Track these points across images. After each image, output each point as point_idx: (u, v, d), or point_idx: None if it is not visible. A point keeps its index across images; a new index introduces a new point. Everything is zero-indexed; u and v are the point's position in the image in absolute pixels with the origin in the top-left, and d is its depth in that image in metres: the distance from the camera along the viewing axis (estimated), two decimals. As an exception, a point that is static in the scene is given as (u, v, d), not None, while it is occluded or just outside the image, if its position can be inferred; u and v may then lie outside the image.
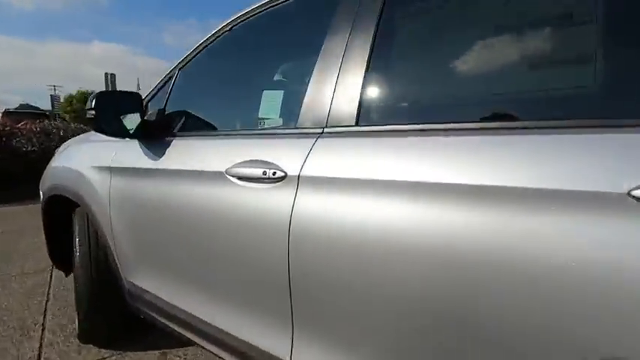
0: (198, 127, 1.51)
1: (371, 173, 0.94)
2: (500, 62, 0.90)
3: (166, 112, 1.56)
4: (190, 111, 1.54)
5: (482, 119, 0.85)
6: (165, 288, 1.51)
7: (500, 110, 0.88)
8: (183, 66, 1.54)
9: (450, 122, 0.87)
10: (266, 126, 1.24)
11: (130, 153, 1.61)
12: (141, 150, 1.56)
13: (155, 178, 1.48)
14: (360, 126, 1.03)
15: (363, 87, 1.03)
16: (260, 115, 1.25)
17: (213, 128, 1.45)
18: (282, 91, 1.22)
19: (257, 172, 1.13)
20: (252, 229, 1.14)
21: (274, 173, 1.10)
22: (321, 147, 1.06)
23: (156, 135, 1.54)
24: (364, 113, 1.04)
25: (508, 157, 0.77)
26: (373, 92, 1.05)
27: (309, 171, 1.05)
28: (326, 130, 1.07)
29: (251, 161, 1.17)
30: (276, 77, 1.32)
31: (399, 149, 0.93)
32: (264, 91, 1.25)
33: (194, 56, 1.50)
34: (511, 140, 0.79)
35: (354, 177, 0.97)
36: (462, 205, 0.79)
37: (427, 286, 0.83)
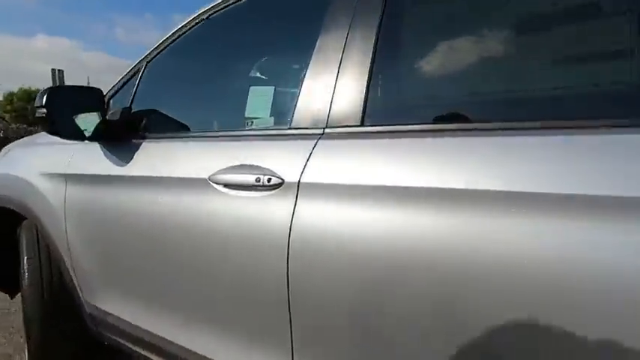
0: (172, 127, 1.34)
1: (383, 179, 0.84)
2: (519, 56, 0.83)
3: (133, 111, 1.38)
4: (162, 109, 1.37)
5: (513, 118, 0.77)
6: (135, 310, 1.32)
7: (528, 108, 0.80)
8: (153, 58, 1.37)
9: (476, 121, 0.79)
10: (255, 126, 1.10)
11: (90, 158, 1.41)
12: (103, 154, 1.36)
13: (121, 187, 1.29)
14: (367, 126, 0.92)
15: (369, 82, 0.92)
16: (247, 114, 1.11)
17: (191, 129, 1.28)
18: (273, 87, 1.09)
19: (248, 178, 1.00)
20: (243, 243, 1.00)
21: (269, 180, 0.96)
22: (323, 150, 0.94)
23: (121, 137, 1.35)
24: (371, 112, 0.93)
25: (540, 160, 0.69)
26: (381, 88, 0.94)
27: (310, 177, 0.92)
28: (327, 130, 0.96)
29: (240, 167, 1.03)
30: (265, 72, 1.18)
31: (415, 152, 0.83)
32: (252, 87, 1.11)
33: (165, 47, 1.33)
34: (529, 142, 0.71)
35: (364, 183, 0.86)
36: (494, 215, 0.71)
37: (448, 308, 0.73)
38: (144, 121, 1.38)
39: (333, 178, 0.90)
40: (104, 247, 1.37)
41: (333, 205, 0.89)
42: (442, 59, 0.89)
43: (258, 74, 1.18)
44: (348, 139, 0.93)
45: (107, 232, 1.34)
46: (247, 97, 1.11)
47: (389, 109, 0.94)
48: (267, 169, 0.98)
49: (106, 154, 1.36)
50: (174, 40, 1.30)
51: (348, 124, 0.94)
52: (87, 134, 1.35)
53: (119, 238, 1.31)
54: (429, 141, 0.83)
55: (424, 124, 0.86)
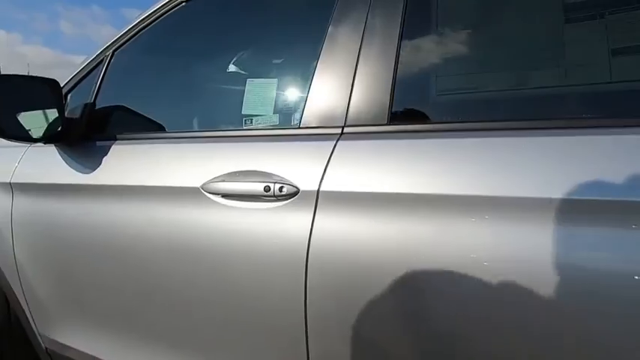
0: (149, 127, 1.14)
1: (420, 186, 0.72)
2: (570, 48, 0.74)
3: (97, 107, 1.16)
4: (136, 106, 1.16)
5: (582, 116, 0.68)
6: (102, 344, 1.11)
7: (581, 105, 0.72)
8: (121, 46, 1.16)
9: (536, 119, 0.69)
10: (255, 125, 0.95)
11: (44, 163, 1.17)
12: (61, 159, 1.14)
13: (85, 198, 1.08)
14: (394, 124, 0.80)
15: (396, 74, 0.80)
16: (245, 112, 0.95)
17: (174, 128, 1.09)
18: (276, 80, 0.93)
19: (254, 187, 0.84)
20: (247, 266, 0.84)
21: (281, 189, 0.81)
22: (344, 152, 0.80)
23: (83, 138, 1.13)
24: (399, 108, 0.81)
25: (596, 160, 0.61)
26: (410, 81, 0.82)
27: (331, 184, 0.79)
28: (347, 130, 0.82)
29: (242, 173, 0.87)
30: (265, 61, 1.02)
31: (454, 154, 0.72)
32: (249, 80, 0.95)
33: (138, 33, 1.13)
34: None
35: (396, 191, 0.74)
36: (546, 225, 0.61)
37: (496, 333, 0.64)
38: (112, 120, 1.17)
39: (358, 185, 0.77)
40: (63, 271, 1.14)
41: (360, 216, 0.76)
42: (486, 45, 0.78)
43: (256, 64, 1.02)
44: (372, 140, 0.80)
45: (67, 253, 1.12)
46: (244, 92, 0.95)
47: (421, 105, 0.82)
48: (277, 176, 0.83)
49: (64, 159, 1.13)
50: (148, 25, 1.10)
51: (372, 122, 0.81)
52: (33, 135, 1.13)
53: (82, 261, 1.09)
54: (469, 142, 0.72)
55: (465, 122, 0.75)
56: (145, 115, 1.15)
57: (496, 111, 0.75)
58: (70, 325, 1.17)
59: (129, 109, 1.18)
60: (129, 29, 1.14)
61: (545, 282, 0.61)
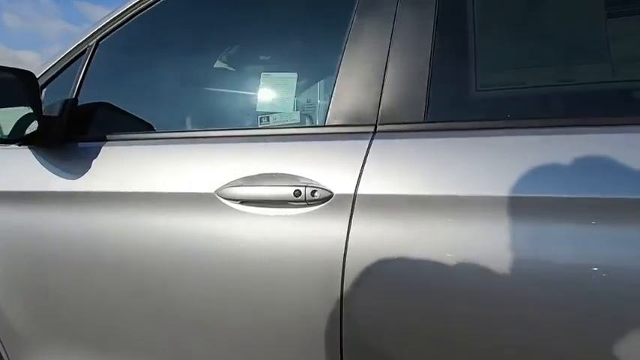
0: (144, 126, 1.02)
1: (466, 187, 0.68)
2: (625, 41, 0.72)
3: (79, 104, 1.03)
4: (126, 103, 1.04)
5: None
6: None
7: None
8: (107, 36, 1.03)
9: (575, 116, 0.66)
10: (273, 124, 0.86)
11: (19, 168, 1.02)
12: (40, 163, 0.99)
13: (71, 208, 0.95)
14: (432, 122, 0.75)
15: (431, 67, 0.75)
16: (260, 109, 0.86)
17: (174, 128, 0.98)
18: (295, 74, 0.85)
19: (281, 192, 0.76)
20: (277, 276, 0.76)
21: (313, 193, 0.74)
22: (381, 152, 0.74)
23: (64, 139, 1.00)
24: (437, 104, 0.76)
25: None
26: (450, 75, 0.77)
27: (369, 186, 0.72)
28: (380, 128, 0.76)
29: (264, 176, 0.78)
30: (281, 52, 0.93)
31: (502, 153, 0.68)
32: (264, 75, 0.86)
33: (128, 21, 1.00)
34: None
35: (442, 193, 0.69)
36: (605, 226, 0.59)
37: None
38: (97, 118, 1.04)
39: (398, 187, 0.72)
40: (44, 292, 1.00)
41: (401, 221, 0.70)
42: (531, 37, 0.75)
43: (271, 56, 0.93)
44: (410, 139, 0.75)
45: (48, 272, 0.98)
46: (258, 87, 0.86)
47: (459, 101, 0.78)
48: (306, 179, 0.76)
49: (45, 164, 0.99)
50: (140, 11, 0.98)
51: (408, 120, 0.76)
52: (1, 136, 0.98)
53: (67, 280, 0.95)
54: (512, 140, 0.69)
55: (508, 119, 0.72)
56: (139, 113, 1.03)
57: (543, 107, 0.72)
58: (51, 356, 1.02)
59: (118, 106, 1.05)
60: (116, 16, 1.02)
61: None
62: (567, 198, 0.62)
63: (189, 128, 0.97)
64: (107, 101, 1.07)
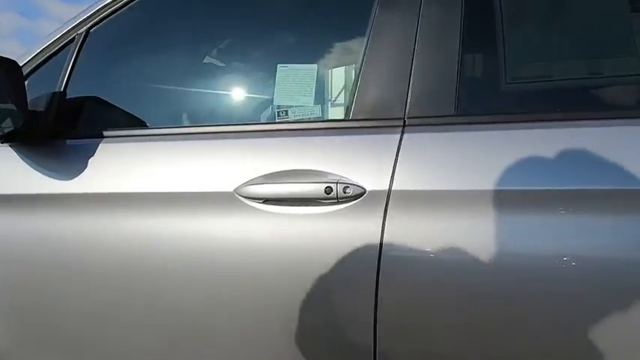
0: (145, 122, 0.94)
1: (506, 181, 0.67)
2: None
3: (68, 98, 0.93)
4: (123, 96, 0.96)
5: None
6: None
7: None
8: (99, 22, 0.94)
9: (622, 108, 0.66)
10: (292, 118, 0.81)
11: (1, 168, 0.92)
12: (24, 163, 0.89)
13: (68, 213, 0.86)
14: (463, 115, 0.73)
15: (461, 58, 0.73)
16: (278, 102, 0.81)
17: (180, 123, 0.91)
18: (315, 65, 0.81)
19: (309, 189, 0.71)
20: (306, 278, 0.71)
21: (345, 190, 0.70)
22: (413, 145, 0.72)
23: (52, 136, 0.90)
24: (467, 97, 0.74)
25: None
26: (480, 67, 0.76)
27: (403, 182, 0.70)
28: (409, 121, 0.74)
29: (289, 173, 0.74)
30: (298, 42, 0.87)
31: (544, 144, 0.67)
32: (281, 67, 0.81)
33: (122, 7, 0.92)
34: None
35: (480, 188, 0.67)
36: None
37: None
38: (89, 113, 0.95)
39: (435, 182, 0.69)
40: (38, 307, 0.89)
41: (437, 218, 0.68)
42: (564, 28, 0.74)
43: (287, 46, 0.87)
44: (441, 132, 0.73)
45: (39, 285, 0.88)
46: (275, 79, 0.81)
47: (490, 94, 0.76)
48: (337, 175, 0.72)
49: (28, 163, 0.89)
50: (137, -3, 0.91)
51: (438, 113, 0.74)
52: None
53: (63, 291, 0.86)
54: (548, 133, 0.68)
55: (540, 112, 0.71)
56: (137, 107, 0.95)
57: (577, 100, 0.72)
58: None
59: (112, 100, 0.97)
60: (110, 2, 0.93)
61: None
62: (610, 190, 0.62)
63: (198, 123, 0.90)
64: (99, 95, 0.98)
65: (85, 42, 0.94)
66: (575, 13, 0.76)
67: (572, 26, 0.75)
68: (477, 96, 0.75)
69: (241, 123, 0.81)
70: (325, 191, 0.70)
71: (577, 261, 0.61)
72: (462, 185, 0.68)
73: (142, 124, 0.96)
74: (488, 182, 0.67)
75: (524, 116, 0.71)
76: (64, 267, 0.86)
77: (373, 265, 0.69)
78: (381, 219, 0.69)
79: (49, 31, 0.96)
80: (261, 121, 0.87)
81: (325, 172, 0.72)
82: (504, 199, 0.66)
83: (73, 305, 0.86)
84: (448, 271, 0.67)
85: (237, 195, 0.74)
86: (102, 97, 0.98)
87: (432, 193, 0.69)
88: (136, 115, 0.97)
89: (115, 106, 0.97)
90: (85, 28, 0.95)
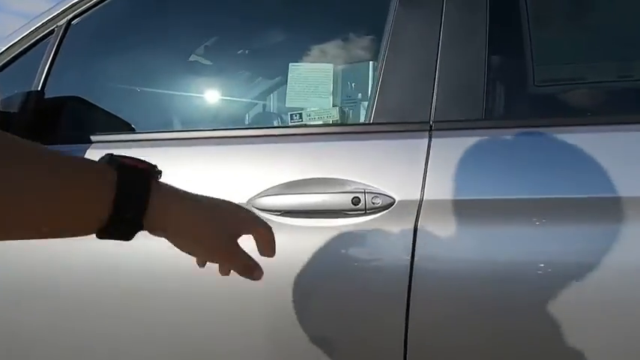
0: (138, 125, 0.84)
1: (539, 189, 0.63)
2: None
3: (47, 97, 0.83)
4: (112, 96, 0.86)
5: None
6: None
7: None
8: (82, 14, 0.84)
9: None
10: (307, 121, 0.75)
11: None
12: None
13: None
14: (492, 119, 0.70)
15: (489, 59, 0.70)
16: (290, 104, 0.75)
17: (179, 127, 0.82)
18: (331, 65, 0.75)
19: (335, 200, 0.65)
20: (334, 295, 0.65)
21: (374, 200, 0.64)
22: (442, 151, 0.67)
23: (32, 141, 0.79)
24: (495, 100, 0.71)
25: None
26: (508, 68, 0.72)
27: (435, 191, 0.65)
28: (436, 125, 0.69)
29: (309, 182, 0.67)
30: (313, 39, 0.80)
31: (579, 149, 0.65)
32: (293, 66, 0.75)
33: (110, -3, 0.82)
34: None
35: (519, 196, 0.64)
36: None
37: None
38: (72, 115, 0.85)
39: (470, 190, 0.65)
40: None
41: (473, 229, 0.64)
42: (594, 28, 0.72)
43: (300, 43, 0.80)
44: (472, 137, 0.68)
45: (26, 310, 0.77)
46: (286, 79, 0.74)
47: (518, 97, 0.73)
48: (364, 184, 0.66)
49: None
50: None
51: (465, 116, 0.70)
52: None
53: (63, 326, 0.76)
54: (583, 138, 0.66)
55: (574, 116, 0.68)
56: (127, 108, 0.85)
57: (610, 103, 0.70)
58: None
59: (98, 100, 0.86)
60: (95, -8, 0.84)
61: None
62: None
63: (198, 127, 0.82)
64: (82, 95, 0.88)
65: (66, 35, 0.84)
66: (603, 14, 0.74)
67: (603, 26, 0.73)
68: (505, 99, 0.72)
69: (251, 127, 0.74)
70: (353, 202, 0.64)
71: (633, 273, 0.59)
72: (501, 194, 0.64)
73: (131, 128, 0.87)
74: (526, 190, 0.63)
75: (555, 120, 0.69)
76: (42, 290, 0.75)
77: (405, 278, 0.63)
78: (412, 230, 0.64)
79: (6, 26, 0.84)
80: (270, 125, 0.80)
81: (350, 181, 0.66)
82: (545, 208, 0.62)
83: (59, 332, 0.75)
84: (487, 287, 0.62)
85: (252, 207, 0.67)
86: (85, 98, 0.88)
87: (466, 203, 0.65)
88: (124, 117, 0.87)
89: (100, 108, 0.87)
90: (66, 19, 0.84)
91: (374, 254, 0.65)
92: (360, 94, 0.77)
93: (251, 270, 0.39)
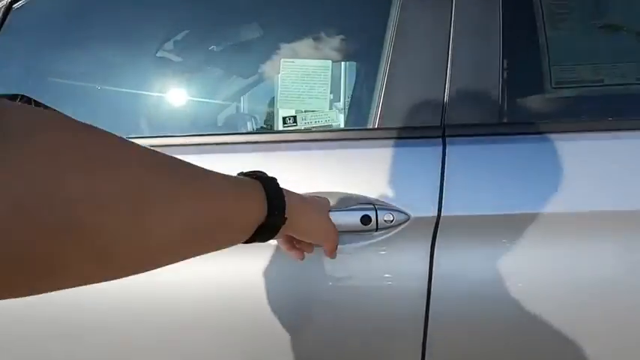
0: (99, 126, 0.70)
1: (573, 201, 0.57)
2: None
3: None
4: (63, 93, 0.72)
5: None
6: None
7: None
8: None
9: None
10: (302, 125, 0.65)
11: None
12: None
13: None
14: (512, 124, 0.63)
15: (503, 57, 0.63)
16: (281, 105, 0.64)
17: (142, 130, 0.69)
18: (330, 62, 0.65)
19: (342, 218, 0.55)
20: (338, 331, 0.55)
21: (387, 217, 0.55)
22: (460, 161, 0.59)
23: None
24: (513, 102, 0.64)
25: None
26: (525, 69, 0.66)
27: (455, 205, 0.57)
28: (449, 131, 0.61)
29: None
30: (309, 31, 0.69)
31: (606, 156, 0.59)
32: (285, 62, 0.64)
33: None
34: None
35: (535, 211, 0.57)
36: None
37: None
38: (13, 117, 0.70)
39: (492, 205, 0.57)
40: None
41: (499, 248, 0.56)
42: (614, 25, 0.67)
43: (292, 35, 0.69)
44: (489, 144, 0.61)
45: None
46: (278, 78, 0.64)
47: (536, 100, 0.67)
48: (372, 199, 0.57)
49: None
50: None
51: (481, 121, 0.62)
52: None
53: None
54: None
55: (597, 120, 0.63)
56: (80, 109, 0.72)
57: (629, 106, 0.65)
58: None
59: (46, 98, 0.72)
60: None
61: None
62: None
63: (171, 132, 0.69)
64: (26, 92, 0.73)
65: (5, 21, 0.70)
66: (622, 14, 0.70)
67: (622, 25, 0.69)
68: (523, 102, 0.65)
69: (234, 133, 0.62)
70: (362, 221, 0.54)
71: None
72: (524, 208, 0.57)
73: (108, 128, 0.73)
74: (550, 204, 0.57)
75: (574, 125, 0.62)
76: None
77: (422, 303, 0.55)
78: (429, 250, 0.56)
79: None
80: (260, 131, 0.69)
81: (356, 196, 0.57)
82: (571, 223, 0.56)
83: None
84: (511, 310, 0.55)
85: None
86: (30, 96, 0.73)
87: (487, 219, 0.57)
88: (79, 119, 0.73)
89: (49, 107, 0.73)
90: (6, 1, 0.70)
91: (386, 280, 0.55)
92: (363, 95, 0.68)
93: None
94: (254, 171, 0.39)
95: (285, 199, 0.38)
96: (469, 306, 0.56)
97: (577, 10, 0.68)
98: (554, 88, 0.65)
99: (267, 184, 0.37)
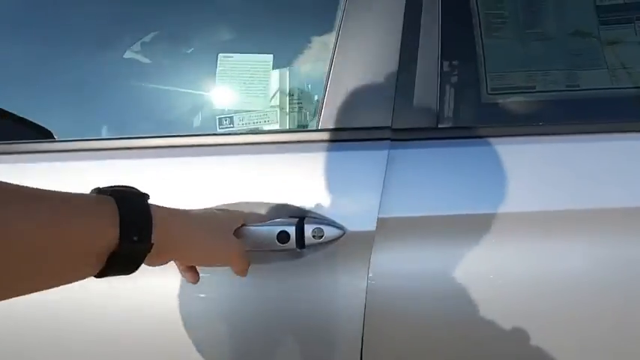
0: (55, 129, 0.66)
1: (519, 202, 0.48)
2: None
3: None
4: (27, 95, 0.68)
5: None
6: None
7: None
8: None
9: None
10: (239, 127, 0.58)
11: None
12: None
13: None
14: (449, 127, 0.55)
15: (442, 64, 0.55)
16: (218, 106, 0.58)
17: (83, 134, 0.64)
18: (271, 56, 0.58)
19: (258, 235, 0.47)
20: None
21: (317, 234, 0.47)
22: (405, 166, 0.51)
23: None
24: (450, 107, 0.56)
25: None
26: (462, 74, 0.57)
27: (397, 216, 0.48)
28: (396, 134, 0.53)
29: (232, 207, 0.50)
30: (250, 25, 0.63)
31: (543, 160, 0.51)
32: (223, 56, 0.58)
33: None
34: None
35: (482, 212, 0.48)
36: None
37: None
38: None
39: (434, 209, 0.49)
40: None
41: (441, 255, 0.48)
42: (549, 34, 0.59)
43: (234, 29, 0.63)
44: (432, 148, 0.53)
45: None
46: (215, 75, 0.58)
47: (473, 104, 0.58)
48: (302, 209, 0.49)
49: None
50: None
51: (425, 124, 0.54)
52: None
53: None
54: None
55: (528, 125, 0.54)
56: (48, 112, 0.68)
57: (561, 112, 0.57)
58: None
59: (6, 99, 0.68)
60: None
61: None
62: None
63: (103, 136, 0.64)
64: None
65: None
66: (555, 22, 0.62)
67: (554, 35, 0.61)
68: (459, 106, 0.57)
69: (160, 135, 0.56)
70: (278, 239, 0.46)
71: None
72: (463, 209, 0.49)
73: (50, 135, 0.68)
74: (487, 205, 0.48)
75: (510, 129, 0.55)
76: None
77: (356, 334, 0.46)
78: (366, 269, 0.47)
79: None
80: (191, 133, 0.62)
81: (283, 207, 0.49)
82: (508, 222, 0.47)
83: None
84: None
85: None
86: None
87: (432, 220, 0.49)
88: (42, 123, 0.68)
89: (6, 112, 0.68)
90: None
91: (315, 305, 0.47)
92: (306, 94, 0.61)
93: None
94: (115, 186, 0.33)
95: (153, 220, 0.32)
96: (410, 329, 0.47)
97: (512, 20, 0.62)
98: (490, 94, 0.57)
99: (122, 201, 0.30)
